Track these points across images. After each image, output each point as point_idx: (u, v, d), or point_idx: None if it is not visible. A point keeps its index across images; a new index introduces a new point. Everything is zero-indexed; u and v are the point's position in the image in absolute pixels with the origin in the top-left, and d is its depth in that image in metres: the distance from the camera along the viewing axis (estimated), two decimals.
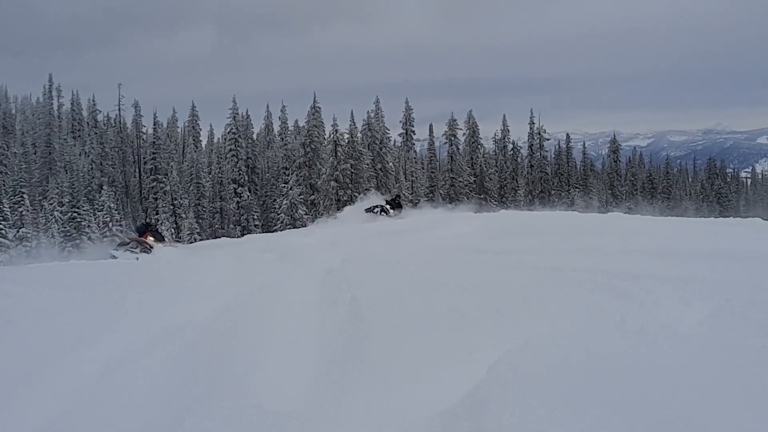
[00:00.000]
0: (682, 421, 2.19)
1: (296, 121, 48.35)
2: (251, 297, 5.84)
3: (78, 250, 25.35)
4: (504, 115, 50.71)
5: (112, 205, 31.60)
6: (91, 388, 3.51)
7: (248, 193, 39.91)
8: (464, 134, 46.81)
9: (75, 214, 31.32)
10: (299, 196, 36.90)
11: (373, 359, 3.48)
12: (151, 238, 12.43)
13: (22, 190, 32.69)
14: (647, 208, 37.02)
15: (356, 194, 34.47)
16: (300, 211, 35.96)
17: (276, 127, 48.99)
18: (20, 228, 28.42)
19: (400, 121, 48.16)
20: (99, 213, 31.34)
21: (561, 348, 2.97)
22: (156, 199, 36.77)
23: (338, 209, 29.97)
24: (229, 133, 41.01)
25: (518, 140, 50.24)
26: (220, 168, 40.10)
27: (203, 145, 49.51)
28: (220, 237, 30.80)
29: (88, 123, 45.73)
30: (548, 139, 48.00)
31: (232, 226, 38.70)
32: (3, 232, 26.70)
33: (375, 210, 20.84)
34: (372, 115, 43.12)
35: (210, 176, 39.89)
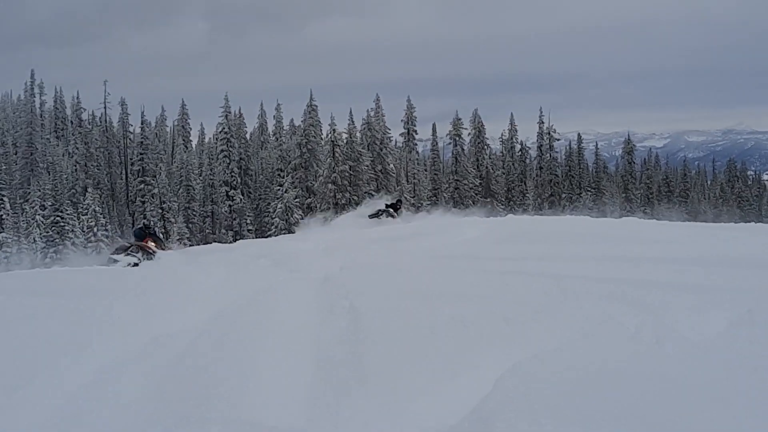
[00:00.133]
0: None
1: (292, 120, 48.54)
2: (244, 305, 5.83)
3: (61, 255, 25.35)
4: (512, 114, 50.82)
5: (97, 208, 31.63)
6: (72, 403, 3.50)
7: (241, 196, 39.96)
8: (469, 134, 46.91)
9: (58, 218, 31.36)
10: (295, 199, 36.93)
11: (373, 372, 3.47)
12: (152, 243, 12.10)
13: (2, 192, 32.74)
14: (664, 212, 37.03)
15: (355, 197, 34.52)
16: (296, 215, 35.99)
17: (270, 127, 49.17)
18: (0, 232, 28.45)
19: (402, 120, 48.23)
20: (83, 217, 31.37)
21: (572, 361, 2.97)
22: (143, 202, 36.83)
23: (336, 213, 29.89)
24: (220, 132, 41.10)
25: (527, 140, 50.37)
26: (211, 169, 40.17)
27: (193, 146, 49.64)
28: (211, 242, 30.83)
29: (72, 122, 45.81)
30: (558, 140, 48.05)
31: (223, 230, 38.73)
32: None
33: (380, 215, 20.55)
34: (372, 113, 43.22)
35: (201, 178, 39.97)
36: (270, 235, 32.89)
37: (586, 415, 2.38)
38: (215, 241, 31.31)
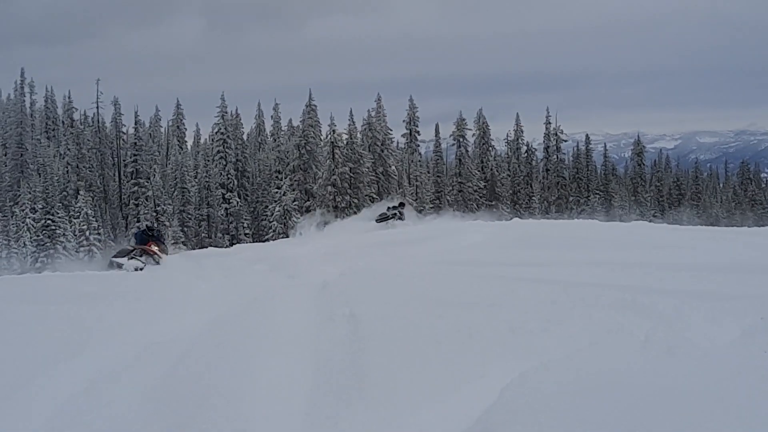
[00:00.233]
0: None
1: (290, 121, 48.46)
2: (241, 312, 5.84)
3: (52, 260, 25.38)
4: (517, 114, 50.77)
5: (89, 211, 31.65)
6: (65, 413, 3.50)
7: (238, 199, 39.96)
8: (474, 135, 46.83)
9: (49, 222, 31.37)
10: (293, 202, 36.93)
11: (374, 381, 3.47)
12: (155, 247, 12.00)
13: None
14: (674, 216, 37.01)
15: (355, 200, 34.50)
16: (294, 218, 35.99)
17: (268, 127, 49.17)
18: None
19: (404, 121, 48.16)
20: (75, 220, 31.39)
21: (581, 370, 2.97)
22: (137, 205, 36.83)
23: (336, 217, 29.82)
24: (216, 133, 41.13)
25: (533, 141, 50.30)
26: (207, 171, 40.18)
27: (189, 147, 49.65)
28: (207, 246, 30.81)
29: (63, 122, 45.83)
30: (566, 141, 47.96)
31: (220, 234, 38.73)
32: None
33: (389, 218, 19.55)
34: (373, 114, 43.21)
35: (196, 180, 39.99)
36: (267, 240, 32.92)
37: (593, 426, 2.38)
38: (211, 246, 31.30)
